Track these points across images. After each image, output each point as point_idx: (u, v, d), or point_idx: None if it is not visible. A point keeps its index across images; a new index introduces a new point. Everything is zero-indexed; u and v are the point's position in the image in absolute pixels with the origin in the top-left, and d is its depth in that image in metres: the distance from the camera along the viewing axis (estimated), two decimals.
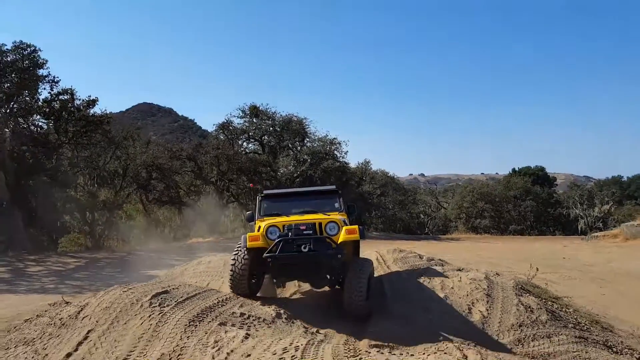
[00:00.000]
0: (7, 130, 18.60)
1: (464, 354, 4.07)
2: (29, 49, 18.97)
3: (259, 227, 6.73)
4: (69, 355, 4.91)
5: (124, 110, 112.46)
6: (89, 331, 5.26)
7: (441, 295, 6.53)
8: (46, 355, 5.11)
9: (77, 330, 5.41)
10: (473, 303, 6.35)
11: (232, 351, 4.18)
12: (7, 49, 18.53)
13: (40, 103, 20.72)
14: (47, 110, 21.00)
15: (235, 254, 6.58)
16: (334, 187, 8.10)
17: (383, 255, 10.72)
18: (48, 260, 15.41)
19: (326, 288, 7.63)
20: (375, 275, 7.98)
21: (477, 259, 18.00)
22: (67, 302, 7.00)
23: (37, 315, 6.71)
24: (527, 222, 42.79)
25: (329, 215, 6.98)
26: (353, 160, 43.95)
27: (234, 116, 29.94)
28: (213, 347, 4.36)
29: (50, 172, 20.56)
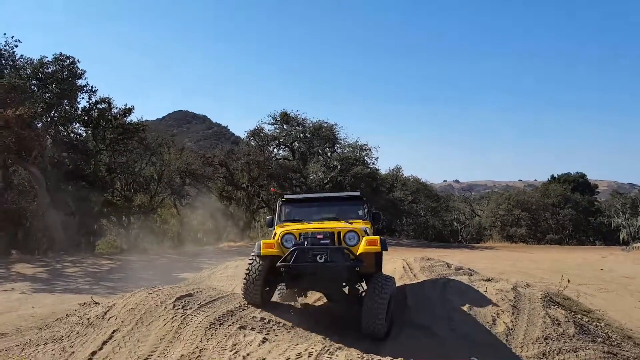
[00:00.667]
0: (48, 137, 19.40)
1: None
2: (68, 60, 19.81)
3: (275, 234, 6.51)
4: (94, 353, 5.11)
5: (160, 117, 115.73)
6: (114, 331, 5.45)
7: (465, 305, 6.42)
8: (72, 352, 5.33)
9: (103, 330, 5.62)
10: (498, 314, 6.21)
11: (248, 354, 4.27)
12: (48, 60, 19.39)
13: (79, 112, 21.57)
14: (86, 118, 21.83)
15: (250, 261, 6.30)
16: (358, 193, 7.72)
17: (410, 263, 10.63)
18: (84, 261, 15.94)
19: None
20: (400, 284, 7.87)
21: (510, 269, 17.56)
22: (96, 303, 7.26)
23: (67, 315, 6.96)
24: (565, 231, 41.49)
25: (350, 223, 6.68)
26: (384, 166, 43.77)
27: (265, 123, 30.35)
28: (231, 350, 4.45)
29: (89, 178, 21.30)
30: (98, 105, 22.18)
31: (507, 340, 5.71)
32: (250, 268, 6.25)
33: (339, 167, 28.40)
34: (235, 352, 4.37)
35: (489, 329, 5.91)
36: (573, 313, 6.80)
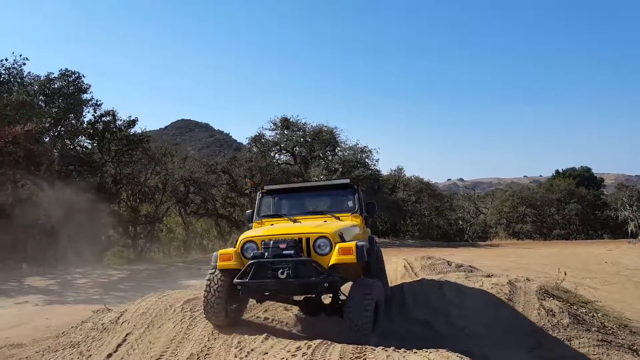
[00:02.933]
0: (55, 151, 19.80)
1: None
2: (73, 76, 20.26)
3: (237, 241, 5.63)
4: (109, 355, 5.45)
5: (163, 127, 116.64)
6: (127, 334, 5.75)
7: (462, 300, 6.64)
8: (90, 356, 5.67)
9: (117, 334, 5.94)
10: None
11: (252, 350, 4.58)
12: (54, 76, 19.84)
13: (85, 125, 21.97)
14: (91, 131, 22.24)
15: (208, 276, 5.45)
16: (348, 180, 6.70)
17: (411, 262, 10.86)
18: (94, 272, 16.27)
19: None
20: (401, 283, 8.00)
21: (514, 265, 17.72)
22: (109, 309, 7.55)
23: (82, 321, 7.28)
24: (572, 226, 41.51)
25: (337, 218, 5.96)
26: (387, 167, 44.01)
27: (266, 129, 30.70)
28: (236, 347, 4.75)
29: (95, 189, 21.67)
30: (103, 118, 22.61)
31: (502, 331, 5.94)
32: (208, 284, 5.37)
33: (340, 170, 28.70)
34: (240, 349, 4.67)
35: (485, 321, 6.15)
36: (569, 304, 7.02)
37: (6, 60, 18.26)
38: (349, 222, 6.02)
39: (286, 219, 6.20)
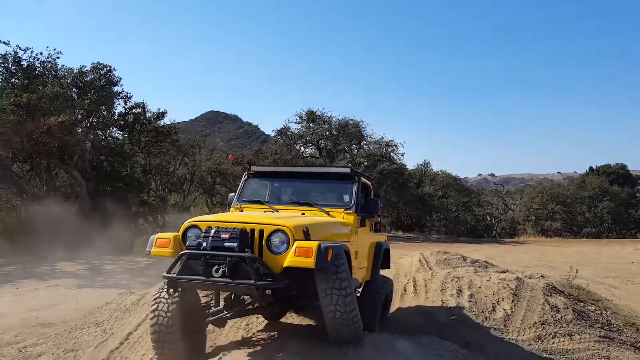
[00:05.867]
0: (87, 142, 20.57)
1: None
2: (105, 69, 20.91)
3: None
4: (130, 333, 5.83)
5: (193, 118, 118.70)
6: (146, 315, 6.14)
7: (467, 293, 6.79)
8: (112, 333, 6.12)
9: (137, 314, 6.38)
10: (498, 302, 6.56)
11: (258, 330, 4.83)
12: (86, 69, 20.55)
13: (116, 117, 22.68)
14: (122, 123, 22.93)
15: (156, 296, 4.51)
16: (348, 169, 5.54)
17: (426, 257, 10.97)
18: (122, 259, 16.92)
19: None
20: (418, 278, 8.04)
21: (537, 263, 17.64)
22: (132, 292, 8.01)
23: (107, 303, 7.81)
24: (604, 225, 40.56)
25: (327, 213, 5.09)
26: (414, 161, 43.72)
27: (292, 122, 31.00)
28: (244, 329, 5.04)
29: (125, 179, 22.40)
30: (133, 110, 23.25)
31: (504, 325, 6.07)
32: (155, 305, 4.44)
33: (365, 164, 28.78)
34: (248, 330, 4.95)
35: (488, 314, 6.28)
36: (577, 301, 7.07)
37: (41, 54, 18.99)
38: (331, 219, 5.04)
39: (267, 207, 5.30)
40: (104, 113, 21.83)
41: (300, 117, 30.75)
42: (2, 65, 17.80)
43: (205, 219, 4.52)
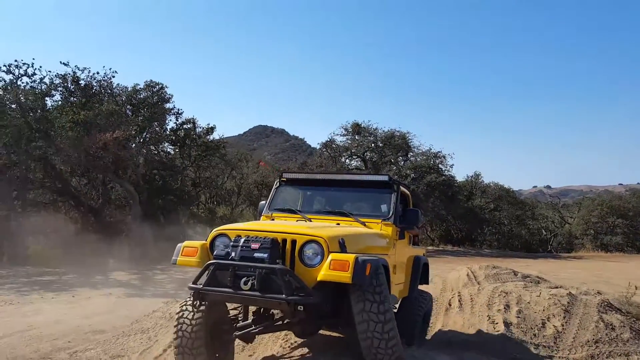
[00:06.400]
0: (141, 157, 21.41)
1: None
2: (157, 87, 21.79)
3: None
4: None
5: (241, 133, 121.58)
6: None
7: (515, 309, 6.49)
8: (157, 340, 6.31)
9: None
10: (548, 318, 6.25)
11: (296, 341, 4.81)
12: (140, 87, 21.49)
13: (167, 132, 23.54)
14: (174, 138, 23.79)
15: (181, 308, 4.38)
16: (386, 177, 5.25)
17: (475, 271, 10.64)
18: (172, 269, 17.36)
19: None
20: (462, 292, 7.78)
21: (595, 279, 16.74)
22: (177, 301, 8.19)
23: (153, 311, 8.04)
24: None
25: (363, 224, 4.77)
26: (465, 173, 42.70)
27: (337, 134, 31.01)
28: (282, 339, 5.06)
29: (176, 192, 23.15)
30: (184, 126, 24.13)
31: (555, 342, 5.75)
32: (180, 317, 4.29)
33: (412, 175, 28.34)
34: (286, 340, 4.94)
35: (537, 331, 5.97)
36: (634, 319, 6.60)
37: (97, 73, 19.98)
38: (369, 230, 4.76)
39: (300, 216, 5.04)
40: (157, 129, 22.70)
41: (346, 129, 30.71)
42: (62, 84, 18.84)
43: (235, 228, 4.29)
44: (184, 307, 4.29)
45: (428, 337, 6.38)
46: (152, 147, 23.15)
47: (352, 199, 5.43)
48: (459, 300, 7.27)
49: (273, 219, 5.17)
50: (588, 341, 5.70)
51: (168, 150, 24.76)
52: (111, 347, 6.49)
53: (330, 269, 3.73)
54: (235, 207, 28.71)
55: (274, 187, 5.63)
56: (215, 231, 4.31)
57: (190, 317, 4.19)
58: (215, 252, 4.11)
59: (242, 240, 3.97)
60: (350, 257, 3.72)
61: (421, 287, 5.89)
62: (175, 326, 4.23)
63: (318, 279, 3.78)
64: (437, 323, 6.84)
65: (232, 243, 4.05)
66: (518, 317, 6.28)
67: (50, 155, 17.65)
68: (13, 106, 17.31)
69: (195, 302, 4.11)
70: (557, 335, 5.86)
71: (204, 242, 4.28)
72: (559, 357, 5.45)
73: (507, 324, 6.08)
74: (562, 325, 6.03)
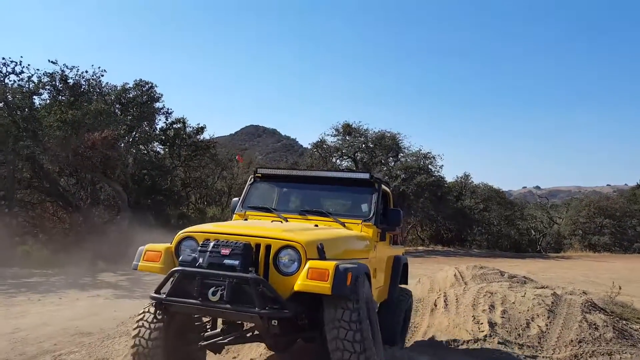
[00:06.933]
0: (130, 156, 21.30)
1: None
2: (147, 86, 21.71)
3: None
4: None
5: (233, 132, 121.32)
6: None
7: (500, 309, 6.55)
8: None
9: None
10: (533, 318, 6.31)
11: None
12: (129, 86, 21.37)
13: (157, 132, 23.46)
14: (163, 137, 23.74)
15: (141, 315, 3.97)
16: (367, 174, 4.96)
17: (462, 271, 10.73)
18: None
19: None
20: (448, 292, 7.83)
21: (581, 278, 16.94)
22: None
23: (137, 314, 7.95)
24: None
25: (343, 224, 4.51)
26: (455, 174, 42.93)
27: (328, 135, 31.08)
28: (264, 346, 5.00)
29: (166, 192, 23.07)
30: (174, 126, 24.07)
31: (539, 342, 5.81)
32: (139, 324, 3.89)
33: (402, 176, 28.46)
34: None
35: (521, 331, 6.03)
36: (619, 319, 6.70)
37: (86, 72, 19.82)
38: (349, 232, 4.47)
39: (275, 215, 4.71)
40: (146, 128, 22.61)
41: (337, 129, 30.80)
42: (50, 83, 18.68)
43: (203, 230, 3.89)
44: (142, 318, 3.88)
45: (414, 338, 6.44)
46: (142, 147, 23.05)
47: (331, 198, 5.19)
48: (445, 301, 7.31)
49: (246, 219, 4.81)
50: (572, 341, 5.76)
51: (157, 150, 24.70)
52: (96, 350, 6.45)
53: (307, 279, 3.38)
54: (226, 208, 28.60)
55: (248, 183, 5.23)
56: (181, 233, 3.91)
57: (150, 324, 3.80)
58: (181, 258, 3.67)
59: (212, 244, 3.59)
60: (329, 266, 3.38)
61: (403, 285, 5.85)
62: (133, 337, 3.82)
63: (294, 288, 3.44)
64: (423, 323, 6.88)
65: (199, 248, 3.66)
66: (503, 317, 6.33)
67: (38, 155, 17.48)
68: (0, 105, 17.14)
69: (156, 313, 3.80)
70: (541, 335, 5.92)
71: (168, 245, 3.89)
72: (543, 357, 5.51)
73: (491, 324, 6.13)
74: (546, 325, 6.09)
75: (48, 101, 18.90)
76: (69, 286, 12.81)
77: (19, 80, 17.78)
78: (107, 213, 20.58)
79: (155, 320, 3.79)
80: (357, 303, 3.47)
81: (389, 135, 30.44)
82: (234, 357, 4.97)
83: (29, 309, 9.54)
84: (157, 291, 3.65)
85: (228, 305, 3.38)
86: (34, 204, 18.79)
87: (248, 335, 4.22)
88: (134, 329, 3.86)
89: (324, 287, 3.31)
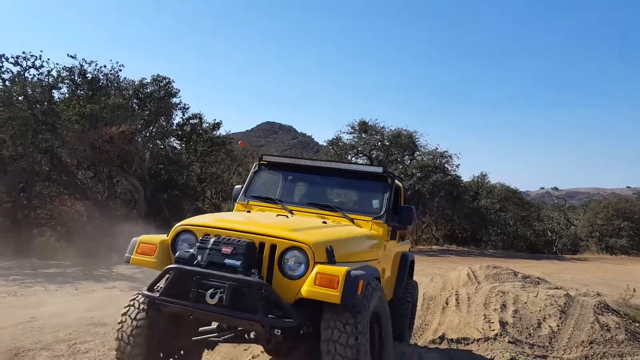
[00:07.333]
0: (147, 151, 21.56)
1: None
2: (164, 81, 21.93)
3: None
4: None
5: (249, 129, 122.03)
6: None
7: (512, 308, 6.51)
8: None
9: None
10: (544, 318, 6.26)
11: None
12: (146, 81, 21.60)
13: (174, 127, 23.70)
14: (180, 133, 23.99)
15: (127, 308, 3.71)
16: (380, 169, 4.58)
17: (475, 271, 10.67)
18: None
19: None
20: (460, 291, 7.79)
21: (597, 281, 16.69)
22: None
23: None
24: None
25: (352, 221, 4.19)
26: (471, 173, 42.57)
27: (344, 132, 30.99)
28: None
29: (182, 187, 23.30)
30: (190, 121, 24.32)
31: (550, 343, 5.76)
32: (122, 319, 3.63)
33: (418, 174, 28.29)
34: None
35: (532, 331, 5.99)
36: (631, 321, 6.61)
37: (104, 66, 20.06)
38: (358, 231, 4.10)
39: (280, 207, 4.38)
40: (163, 123, 22.86)
41: (353, 127, 30.68)
42: (69, 77, 18.94)
43: (203, 223, 3.56)
44: (130, 307, 3.65)
45: (425, 335, 6.44)
46: (158, 142, 23.31)
47: (340, 191, 4.94)
48: (457, 299, 7.29)
49: (249, 211, 4.46)
50: (583, 342, 5.71)
51: (174, 145, 24.97)
52: (110, 340, 6.58)
53: (315, 285, 3.08)
54: None
55: (252, 170, 4.84)
56: (178, 226, 3.60)
57: (133, 321, 3.53)
58: (177, 254, 3.33)
59: (212, 241, 3.29)
60: (340, 272, 3.07)
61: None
62: (117, 329, 3.57)
63: (301, 295, 3.15)
64: (434, 321, 6.87)
65: (198, 244, 3.36)
66: (514, 316, 6.29)
67: (57, 148, 17.78)
68: (20, 98, 17.45)
69: (140, 307, 3.55)
70: (552, 336, 5.87)
71: (164, 238, 3.58)
72: (554, 357, 5.46)
73: (502, 324, 6.09)
74: (558, 326, 6.04)
75: (67, 95, 19.18)
76: (85, 277, 13.05)
77: (38, 75, 18.08)
78: (123, 207, 20.88)
79: (140, 317, 3.54)
80: (361, 321, 3.19)
81: (405, 133, 30.25)
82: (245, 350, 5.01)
83: (45, 299, 9.74)
84: (150, 288, 3.37)
85: (227, 309, 3.12)
86: (52, 197, 19.12)
87: (246, 336, 3.97)
88: (119, 322, 3.60)
89: (333, 295, 3.02)
